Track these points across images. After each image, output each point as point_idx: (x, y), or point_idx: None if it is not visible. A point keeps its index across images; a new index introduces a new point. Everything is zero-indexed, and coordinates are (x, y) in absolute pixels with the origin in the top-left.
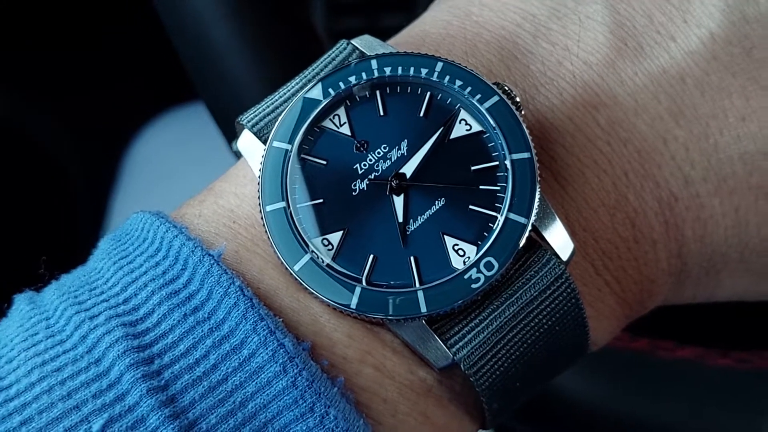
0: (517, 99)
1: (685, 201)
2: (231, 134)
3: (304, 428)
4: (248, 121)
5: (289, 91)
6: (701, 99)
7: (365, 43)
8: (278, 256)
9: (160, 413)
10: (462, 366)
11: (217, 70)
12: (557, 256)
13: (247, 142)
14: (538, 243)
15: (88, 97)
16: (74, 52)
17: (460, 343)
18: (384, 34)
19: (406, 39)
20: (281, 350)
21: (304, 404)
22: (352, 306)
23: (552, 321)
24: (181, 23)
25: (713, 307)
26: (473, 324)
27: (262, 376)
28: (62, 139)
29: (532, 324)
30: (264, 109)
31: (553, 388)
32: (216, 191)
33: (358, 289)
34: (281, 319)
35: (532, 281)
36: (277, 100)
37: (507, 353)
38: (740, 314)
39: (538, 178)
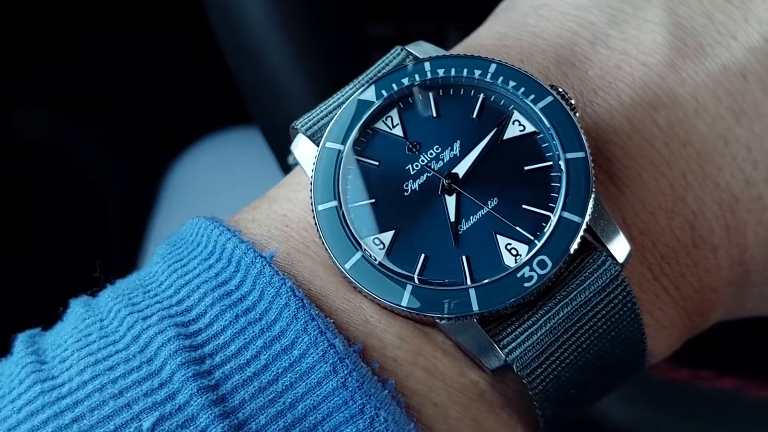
0: (572, 101)
1: (746, 203)
2: (284, 158)
3: (354, 430)
4: (303, 126)
5: (343, 96)
6: (763, 96)
7: (419, 48)
8: (330, 255)
9: (210, 412)
10: (515, 367)
11: (275, 93)
12: (613, 258)
13: (301, 146)
14: (593, 245)
15: (127, 119)
16: (113, 76)
17: (513, 344)
18: None
19: (462, 51)
20: (331, 350)
21: (354, 406)
22: (402, 304)
23: (607, 325)
24: (240, 45)
25: (753, 337)
26: (526, 325)
27: (312, 376)
28: (101, 160)
29: (587, 327)
30: (318, 114)
31: (594, 415)
32: (270, 197)
33: (409, 287)
34: (332, 321)
35: (587, 282)
36: (331, 105)
37: (561, 356)
38: None
39: (593, 178)
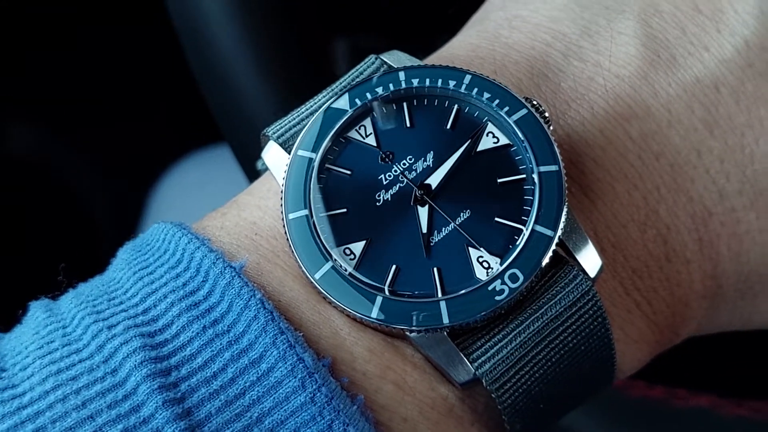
0: (546, 113)
1: (719, 216)
2: (255, 177)
3: None
4: (274, 133)
5: (316, 103)
6: (736, 108)
7: (394, 58)
8: (299, 265)
9: (175, 426)
10: (484, 381)
11: (243, 114)
12: (584, 273)
13: (272, 153)
14: (565, 259)
15: (114, 136)
16: (101, 90)
17: (483, 358)
18: None
19: (436, 62)
20: (300, 365)
21: (323, 421)
22: (372, 316)
23: (577, 340)
24: (208, 67)
25: (729, 355)
26: (496, 339)
27: (281, 391)
28: (88, 177)
29: (557, 342)
30: (290, 122)
31: None
32: (239, 204)
33: (379, 299)
34: (302, 334)
35: (558, 297)
36: (303, 113)
37: (530, 371)
38: (756, 363)
39: (566, 192)
